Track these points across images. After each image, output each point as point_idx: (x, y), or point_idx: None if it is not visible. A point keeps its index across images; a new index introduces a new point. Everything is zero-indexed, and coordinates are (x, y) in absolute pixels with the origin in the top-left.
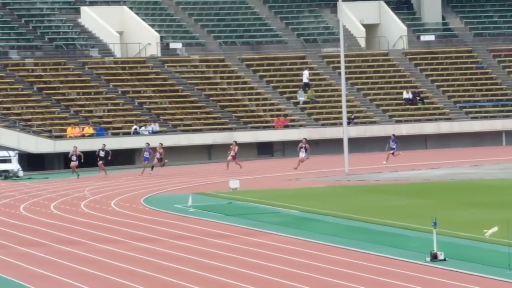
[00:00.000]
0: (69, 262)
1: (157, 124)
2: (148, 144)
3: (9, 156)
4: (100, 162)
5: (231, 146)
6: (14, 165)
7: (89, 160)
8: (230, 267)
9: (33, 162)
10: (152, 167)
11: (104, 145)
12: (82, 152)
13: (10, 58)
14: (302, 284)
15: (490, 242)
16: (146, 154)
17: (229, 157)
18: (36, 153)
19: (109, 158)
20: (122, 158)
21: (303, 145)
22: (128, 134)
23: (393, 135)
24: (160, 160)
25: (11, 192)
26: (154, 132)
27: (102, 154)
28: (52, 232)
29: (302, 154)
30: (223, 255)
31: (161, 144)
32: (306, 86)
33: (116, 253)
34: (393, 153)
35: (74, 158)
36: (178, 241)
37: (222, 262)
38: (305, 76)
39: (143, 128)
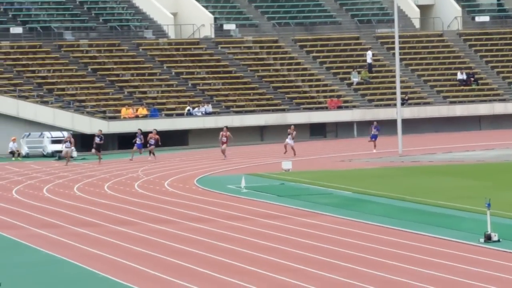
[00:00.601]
0: (123, 242)
1: (210, 106)
2: (140, 130)
3: (64, 137)
4: (94, 150)
5: (221, 133)
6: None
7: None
8: (283, 248)
9: (87, 143)
10: (150, 152)
11: (100, 130)
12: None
13: (64, 39)
14: (355, 265)
15: None
16: (138, 141)
17: (223, 145)
18: (90, 134)
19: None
20: (176, 139)
21: (292, 131)
22: (181, 115)
23: (375, 121)
24: (150, 145)
25: (65, 173)
26: (207, 113)
27: (97, 140)
28: (105, 212)
29: (289, 141)
30: (276, 236)
31: (156, 130)
32: (370, 67)
33: (169, 233)
34: (374, 140)
35: (68, 144)
36: (230, 222)
37: (274, 243)
38: (369, 56)
39: (196, 109)
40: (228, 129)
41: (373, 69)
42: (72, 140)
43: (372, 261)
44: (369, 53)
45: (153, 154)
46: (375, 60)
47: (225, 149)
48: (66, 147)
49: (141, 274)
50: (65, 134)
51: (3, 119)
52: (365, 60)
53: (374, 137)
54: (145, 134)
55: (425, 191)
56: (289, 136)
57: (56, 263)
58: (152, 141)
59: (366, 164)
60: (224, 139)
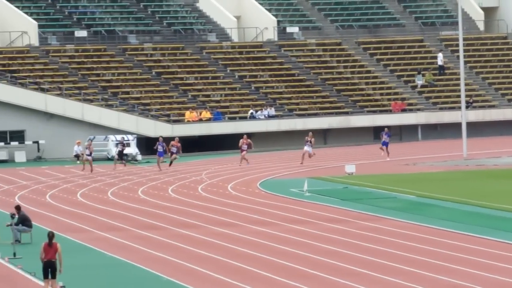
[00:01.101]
0: (187, 245)
1: (273, 109)
2: (161, 137)
3: (128, 140)
4: (116, 157)
5: (242, 140)
6: (132, 149)
7: (206, 143)
8: (346, 252)
9: (151, 146)
10: (171, 162)
11: (123, 138)
12: (201, 136)
13: (129, 43)
14: (418, 269)
15: None
16: (159, 148)
17: (243, 152)
18: (155, 137)
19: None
20: (239, 142)
21: (310, 138)
22: (244, 118)
23: (386, 128)
24: (171, 153)
25: (129, 176)
26: (270, 117)
27: (120, 148)
28: (170, 216)
29: (307, 148)
30: (339, 240)
31: (178, 138)
32: (441, 69)
33: (233, 237)
34: (386, 147)
35: (87, 152)
36: (293, 225)
37: (337, 247)
38: (439, 58)
39: (259, 112)
40: (249, 136)
41: (437, 71)
42: (92, 148)
43: (436, 265)
44: (440, 55)
45: (171, 161)
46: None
47: (244, 156)
48: (87, 154)
49: (205, 277)
50: (130, 137)
51: (68, 122)
52: (429, 63)
53: (385, 144)
54: (168, 141)
55: (490, 195)
56: (308, 144)
57: (120, 266)
58: (174, 149)
59: (431, 168)
60: (245, 146)
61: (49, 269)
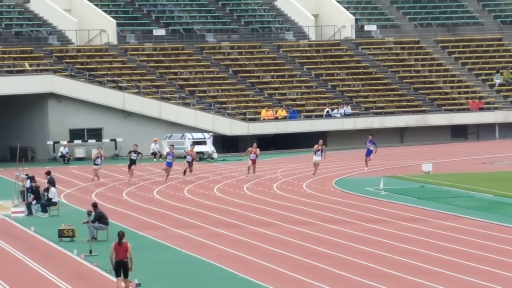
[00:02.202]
0: (261, 243)
1: (349, 107)
2: (172, 146)
3: (204, 138)
4: (132, 167)
5: (250, 149)
6: (209, 147)
7: (282, 141)
8: (423, 251)
9: (227, 144)
10: (185, 171)
11: (136, 146)
12: (276, 134)
13: (206, 41)
14: (496, 269)
15: None
16: (169, 158)
17: (250, 162)
18: (231, 135)
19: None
20: (314, 140)
21: (320, 147)
22: (320, 116)
23: (371, 135)
24: (190, 164)
25: (205, 174)
26: (346, 115)
27: (134, 156)
28: (244, 213)
29: (317, 157)
30: (416, 239)
31: (193, 146)
32: None
33: (307, 235)
34: (368, 157)
35: (98, 161)
36: (370, 224)
37: (413, 246)
38: None
39: (335, 110)
40: (258, 146)
41: None
42: (103, 155)
43: None
44: None
45: (185, 171)
46: None
47: (251, 166)
48: (96, 164)
49: (279, 275)
50: (207, 135)
51: (146, 120)
52: (508, 61)
53: (369, 153)
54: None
55: None
56: (318, 153)
57: (196, 264)
58: (189, 158)
59: (509, 167)
60: (253, 156)
61: (121, 269)
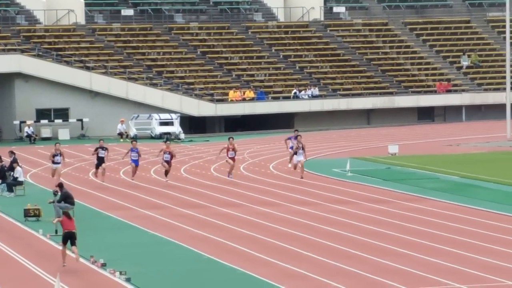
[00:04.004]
0: (228, 224)
1: (317, 88)
2: (134, 141)
3: (172, 119)
4: (101, 166)
5: (227, 146)
6: (176, 128)
7: (249, 122)
8: (389, 232)
9: (194, 125)
10: (166, 172)
11: (102, 140)
12: (244, 115)
13: (175, 22)
14: (461, 250)
15: None
16: (133, 156)
17: (229, 161)
18: (198, 116)
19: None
20: (282, 122)
21: (299, 144)
22: (288, 98)
23: (296, 130)
24: (168, 163)
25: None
26: (313, 96)
27: (101, 153)
28: (211, 194)
29: (299, 157)
30: (382, 220)
31: (169, 143)
32: None
33: (275, 216)
34: (295, 153)
35: (58, 158)
36: (336, 206)
37: (379, 227)
38: None
39: (303, 92)
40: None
41: (484, 53)
42: (63, 151)
43: (478, 246)
44: None
45: (167, 172)
46: (484, 44)
47: (233, 166)
48: (55, 162)
49: (246, 256)
50: (174, 116)
51: (113, 100)
52: (476, 44)
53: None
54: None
55: None
56: (300, 152)
57: (162, 244)
58: (167, 157)
59: (474, 149)
60: (232, 153)
61: (69, 240)
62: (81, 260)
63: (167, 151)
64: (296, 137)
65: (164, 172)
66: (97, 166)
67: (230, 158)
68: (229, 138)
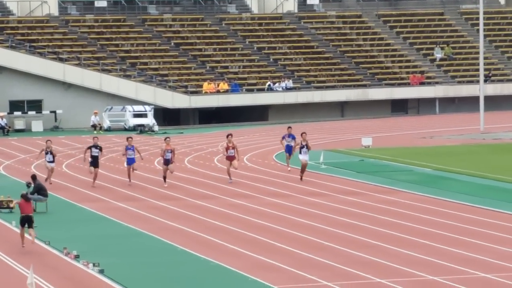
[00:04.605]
0: (202, 216)
1: (291, 81)
2: (130, 138)
3: (145, 111)
4: (92, 169)
5: (226, 144)
6: (149, 120)
7: (223, 114)
8: (361, 224)
9: (168, 117)
10: (165, 177)
11: (97, 138)
12: (218, 107)
13: (148, 13)
14: (433, 242)
15: None
16: (129, 154)
17: (227, 163)
18: (172, 108)
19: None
20: (256, 114)
21: (304, 143)
22: (262, 90)
23: (289, 127)
24: (167, 163)
25: (146, 146)
26: (287, 89)
27: (95, 152)
28: (185, 186)
29: (304, 156)
30: (354, 212)
31: (169, 139)
32: None
33: (249, 208)
34: (290, 155)
35: (50, 157)
36: (310, 198)
37: (352, 219)
38: None
39: (277, 84)
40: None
41: (457, 45)
42: (53, 150)
43: (451, 238)
44: None
45: (165, 177)
46: (458, 36)
47: (233, 167)
48: (48, 160)
49: (220, 248)
50: (147, 108)
51: (86, 92)
52: (449, 36)
53: (289, 150)
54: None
55: (507, 169)
56: (304, 150)
57: (136, 236)
58: (168, 155)
59: (447, 141)
60: (232, 151)
61: (26, 223)
62: (52, 250)
63: (168, 149)
64: (290, 135)
65: (165, 175)
66: (91, 165)
67: (229, 156)
68: (227, 136)
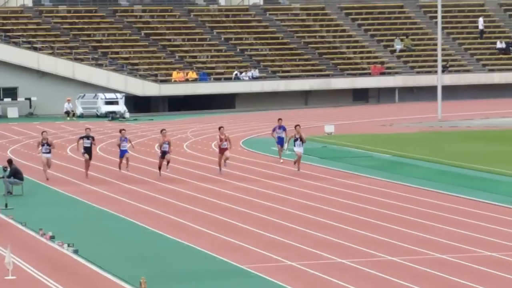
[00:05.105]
0: (172, 199)
1: (257, 70)
2: (124, 130)
3: (117, 98)
4: (86, 156)
5: (219, 136)
6: (121, 107)
7: (192, 102)
8: (325, 207)
9: (139, 105)
10: (160, 167)
11: (89, 129)
12: (187, 96)
13: (119, 4)
14: (392, 224)
15: None
16: (123, 145)
17: (225, 152)
18: (142, 96)
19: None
20: (224, 102)
21: (298, 136)
22: (229, 79)
23: (280, 119)
24: (164, 154)
25: (117, 133)
26: (254, 78)
27: (87, 143)
28: (156, 171)
29: (298, 149)
30: (318, 196)
31: (165, 131)
32: (481, 33)
33: (217, 192)
34: (282, 146)
35: (46, 148)
36: (275, 182)
37: (316, 202)
38: (480, 23)
39: (243, 74)
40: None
41: (416, 37)
42: (52, 142)
43: (408, 221)
44: (481, 20)
45: (160, 167)
46: (417, 29)
47: (227, 158)
48: (44, 151)
49: (188, 230)
50: (119, 95)
51: (59, 80)
52: (408, 28)
53: (281, 142)
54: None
55: (463, 155)
56: (298, 143)
57: (108, 218)
58: (166, 146)
59: (406, 129)
60: (225, 144)
61: None
62: (29, 231)
63: (165, 141)
64: (281, 126)
65: (160, 166)
66: (84, 154)
67: (222, 149)
68: (219, 128)
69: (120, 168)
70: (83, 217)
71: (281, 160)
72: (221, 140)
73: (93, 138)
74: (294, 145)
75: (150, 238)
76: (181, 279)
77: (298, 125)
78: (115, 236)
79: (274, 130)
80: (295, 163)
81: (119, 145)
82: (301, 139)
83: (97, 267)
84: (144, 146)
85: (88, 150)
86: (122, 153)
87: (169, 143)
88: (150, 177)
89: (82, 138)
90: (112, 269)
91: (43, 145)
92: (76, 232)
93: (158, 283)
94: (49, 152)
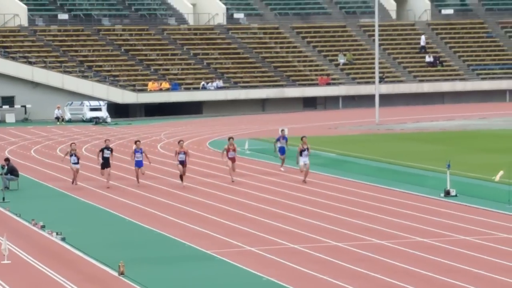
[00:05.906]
0: (148, 194)
1: (221, 81)
2: (138, 142)
3: (100, 106)
4: (102, 169)
5: (227, 146)
6: (103, 113)
7: (165, 109)
8: (279, 199)
9: (119, 111)
10: (181, 176)
11: (108, 140)
12: (161, 103)
13: (102, 25)
14: (337, 214)
15: (494, 181)
16: (138, 157)
17: (229, 163)
18: (122, 103)
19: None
20: (192, 109)
21: (305, 146)
22: (197, 88)
23: (283, 129)
24: (183, 163)
25: (100, 135)
26: (218, 88)
27: (107, 153)
28: (133, 169)
29: (304, 158)
30: (274, 190)
31: (182, 142)
32: (422, 49)
33: (186, 186)
34: (282, 156)
35: (74, 159)
36: (236, 177)
37: (271, 195)
38: (422, 40)
39: (210, 84)
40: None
41: (357, 52)
42: (78, 152)
43: (351, 211)
44: (423, 37)
45: (182, 176)
46: (357, 45)
47: (231, 167)
48: (73, 162)
49: (162, 220)
50: (102, 103)
51: (50, 90)
52: (350, 45)
53: (282, 151)
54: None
55: (397, 154)
56: (304, 153)
57: (92, 210)
58: (182, 157)
59: (349, 131)
60: (232, 153)
61: None
62: (23, 222)
63: (181, 151)
64: (284, 137)
65: (180, 177)
66: (103, 166)
67: (230, 158)
68: (229, 139)
69: (137, 179)
70: (71, 209)
71: (282, 169)
72: (228, 150)
73: (111, 150)
74: (301, 155)
75: (127, 226)
76: (155, 263)
77: (304, 136)
78: (97, 225)
79: (278, 140)
80: (301, 171)
81: (133, 156)
82: (308, 150)
83: (82, 252)
84: (124, 146)
85: (106, 160)
86: (137, 164)
87: (186, 153)
88: (128, 174)
89: (102, 150)
90: (95, 254)
91: (71, 156)
92: (64, 222)
93: (135, 267)
94: (78, 163)
